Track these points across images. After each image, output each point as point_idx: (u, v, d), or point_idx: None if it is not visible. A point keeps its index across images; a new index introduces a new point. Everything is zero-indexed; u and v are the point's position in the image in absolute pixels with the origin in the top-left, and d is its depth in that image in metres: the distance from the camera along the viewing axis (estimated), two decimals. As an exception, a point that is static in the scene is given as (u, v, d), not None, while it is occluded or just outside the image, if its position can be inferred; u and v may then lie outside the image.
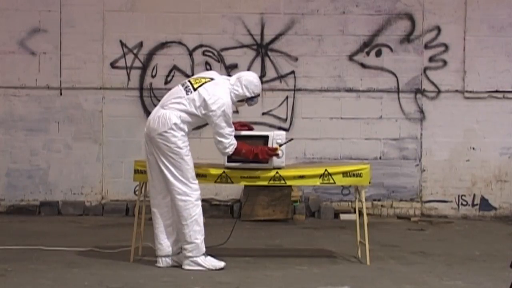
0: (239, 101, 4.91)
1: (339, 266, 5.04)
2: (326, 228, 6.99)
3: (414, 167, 7.90)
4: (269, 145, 4.96)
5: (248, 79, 4.89)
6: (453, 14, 7.83)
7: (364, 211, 5.09)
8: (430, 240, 6.37)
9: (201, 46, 7.78)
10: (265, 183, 5.02)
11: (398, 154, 7.88)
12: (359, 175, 5.00)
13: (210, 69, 7.79)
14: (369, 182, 5.07)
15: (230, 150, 4.79)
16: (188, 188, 4.72)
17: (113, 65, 7.79)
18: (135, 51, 7.78)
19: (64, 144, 7.76)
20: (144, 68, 7.82)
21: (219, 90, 4.79)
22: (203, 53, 7.81)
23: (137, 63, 7.82)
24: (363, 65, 7.86)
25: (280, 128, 7.70)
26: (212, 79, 4.87)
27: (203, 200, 7.80)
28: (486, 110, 7.85)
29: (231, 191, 7.74)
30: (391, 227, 7.14)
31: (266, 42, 7.81)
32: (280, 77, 7.86)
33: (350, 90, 7.88)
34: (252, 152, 4.82)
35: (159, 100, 7.69)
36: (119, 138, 7.78)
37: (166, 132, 4.72)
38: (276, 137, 5.03)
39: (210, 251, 4.95)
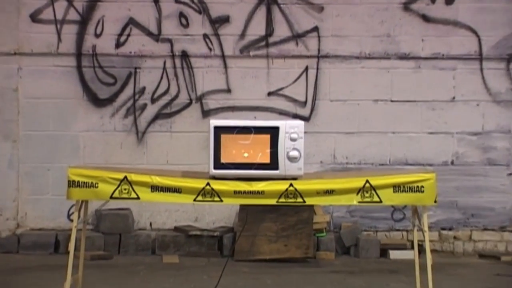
0: None
1: (388, 332, 5.06)
2: (367, 273, 7.00)
3: (505, 177, 7.92)
4: (281, 141, 4.99)
5: None
6: None
7: (427, 246, 5.05)
8: (530, 291, 6.38)
9: (172, -13, 7.85)
10: (273, 201, 4.98)
11: (480, 156, 7.89)
12: (419, 190, 4.99)
13: (187, 24, 7.80)
14: (435, 201, 5.04)
15: None
16: None
17: (34, 17, 7.79)
18: (69, -4, 7.81)
19: (-43, 141, 7.80)
20: (83, 23, 7.82)
21: None
22: (176, 0, 7.85)
23: (73, 15, 7.81)
24: (425, 18, 7.87)
25: (296, 117, 7.71)
26: None
27: (174, 229, 7.88)
28: None
29: (219, 214, 7.76)
30: (470, 271, 7.13)
31: (275, -19, 7.87)
32: (297, 37, 7.87)
33: (405, 57, 7.86)
34: None
35: (106, 73, 7.83)
36: (44, 131, 7.80)
37: None
38: (291, 129, 5.04)
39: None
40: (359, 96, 7.85)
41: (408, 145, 7.86)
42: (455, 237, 7.90)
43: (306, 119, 7.71)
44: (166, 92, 7.87)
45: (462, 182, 7.86)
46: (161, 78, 7.85)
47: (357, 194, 5.00)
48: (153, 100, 7.87)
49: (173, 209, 7.76)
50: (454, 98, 7.89)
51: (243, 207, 6.96)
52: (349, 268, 7.17)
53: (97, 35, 7.83)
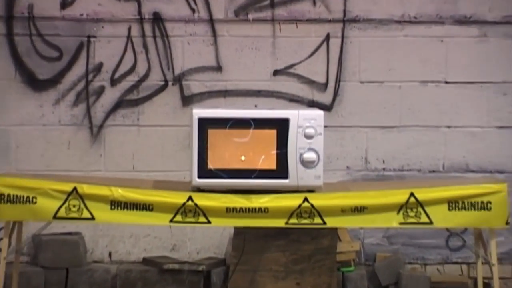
0: None
1: None
2: (413, 323, 7.01)
3: None
4: (292, 138, 4.98)
5: None
6: None
7: (496, 285, 5.14)
8: None
9: None
10: (280, 223, 5.13)
11: None
12: (484, 207, 5.09)
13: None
14: (507, 223, 5.14)
15: None
16: None
17: None
18: None
19: None
20: (15, -26, 7.85)
21: None
22: None
23: (1, -37, 7.86)
24: (493, -34, 7.90)
25: (313, 105, 7.70)
26: None
27: (143, 261, 7.85)
28: None
29: (206, 241, 7.80)
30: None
31: None
32: (313, -6, 7.86)
33: (465, 22, 7.85)
34: None
35: (48, 44, 7.79)
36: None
37: None
38: (305, 122, 5.09)
39: None
40: (401, 76, 7.83)
41: (470, 144, 7.85)
42: (535, 273, 7.90)
43: (327, 107, 7.71)
44: (131, 70, 7.85)
45: (545, 196, 7.83)
46: (125, 50, 7.84)
47: (398, 212, 5.11)
48: (114, 82, 7.84)
49: (141, 233, 7.75)
50: (532, 78, 7.90)
51: (239, 231, 6.93)
52: (386, 316, 7.17)
53: (36, -9, 7.84)
